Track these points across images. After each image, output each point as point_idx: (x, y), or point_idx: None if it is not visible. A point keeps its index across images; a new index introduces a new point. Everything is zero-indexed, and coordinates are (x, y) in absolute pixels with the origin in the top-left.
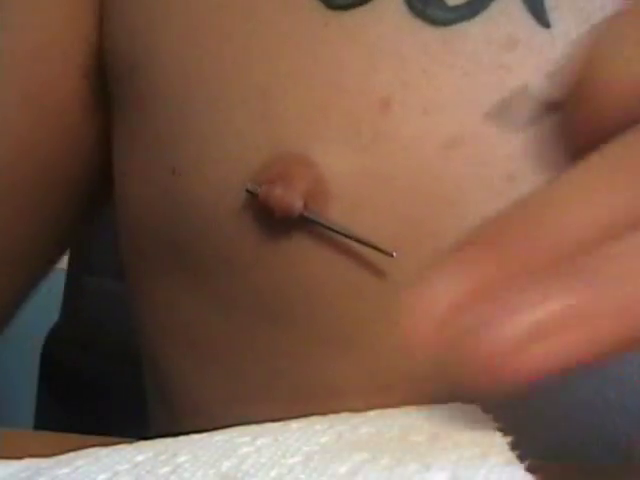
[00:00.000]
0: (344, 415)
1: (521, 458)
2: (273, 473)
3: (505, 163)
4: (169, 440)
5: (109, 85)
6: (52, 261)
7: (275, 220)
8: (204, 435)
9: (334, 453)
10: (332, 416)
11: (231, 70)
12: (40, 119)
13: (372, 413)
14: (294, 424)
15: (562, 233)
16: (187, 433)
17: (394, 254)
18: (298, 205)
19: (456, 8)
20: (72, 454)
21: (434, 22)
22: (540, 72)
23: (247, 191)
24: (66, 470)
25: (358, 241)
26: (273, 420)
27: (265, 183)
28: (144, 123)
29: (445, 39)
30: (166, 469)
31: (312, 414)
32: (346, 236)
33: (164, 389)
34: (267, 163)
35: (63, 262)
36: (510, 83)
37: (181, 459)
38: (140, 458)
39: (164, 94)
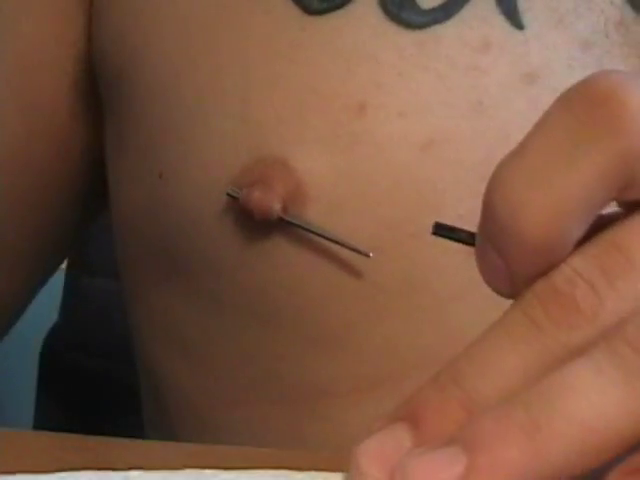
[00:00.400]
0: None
1: None
2: None
3: (480, 164)
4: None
5: (99, 88)
6: (52, 266)
7: (256, 223)
8: (214, 472)
9: None
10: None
11: (211, 75)
12: (31, 125)
13: None
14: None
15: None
16: (181, 435)
17: (370, 254)
18: (277, 208)
19: (430, 11)
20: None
21: (409, 26)
22: (514, 73)
23: (228, 195)
24: None
25: (336, 242)
26: (264, 420)
27: (245, 187)
28: (132, 126)
29: (420, 42)
30: None
31: (301, 414)
32: (324, 237)
33: (158, 391)
34: (247, 167)
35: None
36: (484, 85)
37: None
38: None
39: (150, 97)
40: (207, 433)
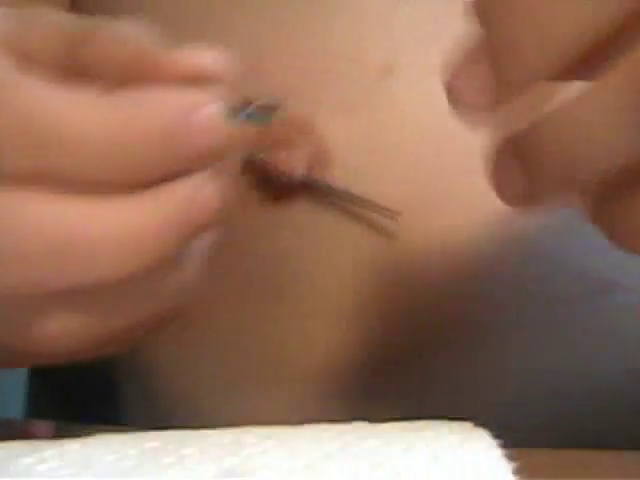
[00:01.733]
0: (355, 425)
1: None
2: (274, 475)
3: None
4: (179, 432)
5: None
6: None
7: (277, 186)
8: (214, 431)
9: (336, 461)
10: (342, 425)
11: (220, 33)
12: None
13: (383, 426)
14: (303, 430)
15: None
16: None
17: (399, 216)
18: (301, 170)
19: None
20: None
21: None
22: None
23: (247, 156)
24: (76, 446)
25: (364, 204)
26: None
27: (267, 148)
28: None
29: (447, 1)
30: (171, 459)
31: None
32: (352, 199)
33: (145, 380)
34: (265, 129)
35: None
36: None
37: (187, 451)
38: (148, 445)
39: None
40: (204, 419)
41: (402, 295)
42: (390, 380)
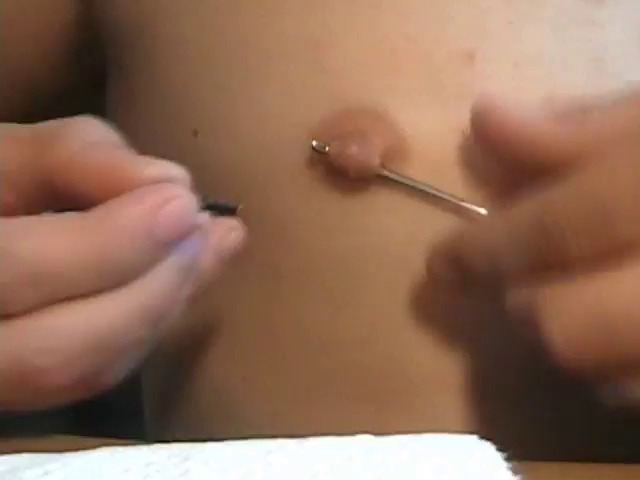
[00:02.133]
0: (360, 437)
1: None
2: None
3: None
4: (184, 445)
5: (106, 51)
6: None
7: (347, 181)
8: (219, 444)
9: (341, 474)
10: (347, 438)
11: (266, 21)
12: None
13: (388, 438)
14: (308, 443)
15: None
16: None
17: (484, 210)
18: (375, 163)
19: None
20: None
21: None
22: (631, 29)
23: (313, 149)
24: (80, 459)
25: (444, 200)
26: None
27: (333, 140)
28: (151, 87)
29: None
30: (175, 472)
31: (387, 412)
32: (431, 194)
33: (165, 374)
34: (329, 118)
35: None
36: (602, 40)
37: (192, 464)
38: (153, 458)
39: (175, 53)
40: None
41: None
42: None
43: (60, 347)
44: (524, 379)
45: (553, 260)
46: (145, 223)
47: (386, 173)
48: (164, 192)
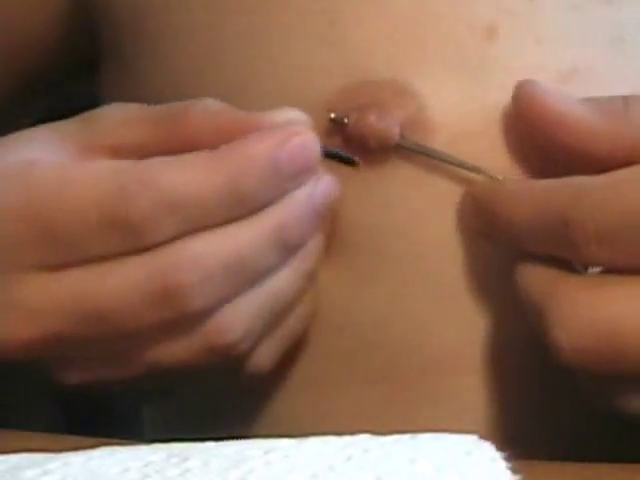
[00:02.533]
0: (358, 437)
1: (507, 459)
2: None
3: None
4: (184, 445)
5: (103, 37)
6: None
7: (366, 152)
8: (218, 444)
9: (340, 473)
10: (346, 437)
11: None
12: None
13: (387, 438)
14: (307, 442)
15: None
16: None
17: (500, 178)
18: (395, 133)
19: None
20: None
21: None
22: None
23: (332, 120)
24: (80, 459)
25: (465, 169)
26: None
27: (354, 111)
28: (156, 72)
29: None
30: (175, 471)
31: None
32: (452, 164)
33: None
34: (346, 90)
35: None
36: (621, 20)
37: (191, 464)
38: (153, 458)
39: (186, 36)
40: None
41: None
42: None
43: (198, 267)
44: (546, 360)
45: (572, 256)
46: (270, 155)
47: (405, 143)
48: (289, 129)
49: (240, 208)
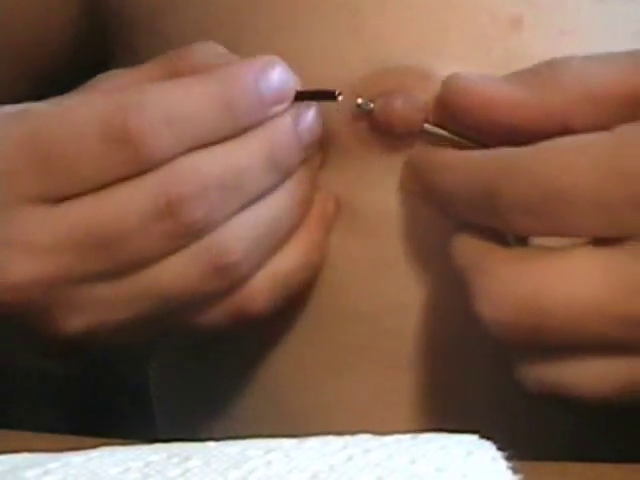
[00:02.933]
0: (359, 437)
1: (508, 459)
2: None
3: None
4: (185, 445)
5: (113, 34)
6: None
7: (391, 137)
8: (218, 444)
9: (341, 474)
10: (347, 437)
11: None
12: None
13: (388, 438)
14: (308, 442)
15: None
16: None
17: None
18: (420, 118)
19: None
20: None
21: None
22: None
23: (358, 106)
24: (80, 459)
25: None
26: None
27: (380, 97)
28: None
29: None
30: (176, 471)
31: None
32: (480, 144)
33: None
34: (369, 77)
35: None
36: None
37: (192, 464)
38: (153, 458)
39: (203, 27)
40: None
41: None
42: None
43: (197, 180)
44: None
45: (498, 225)
46: (256, 72)
47: (431, 128)
48: (271, 59)
49: (233, 124)
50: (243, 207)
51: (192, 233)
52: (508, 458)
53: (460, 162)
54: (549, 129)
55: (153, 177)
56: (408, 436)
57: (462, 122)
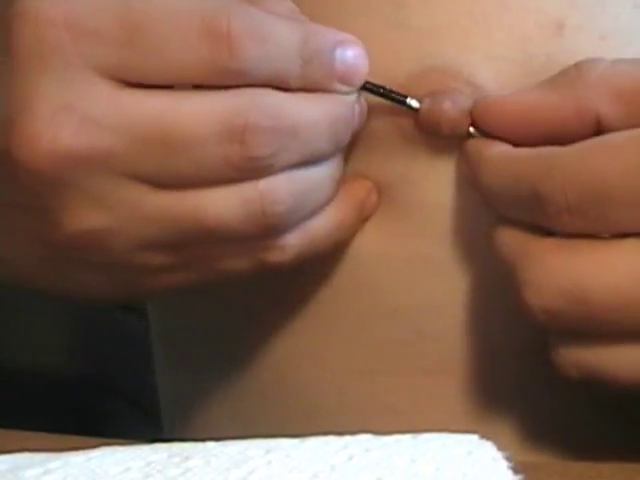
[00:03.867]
0: (360, 437)
1: (508, 459)
2: None
3: None
4: (185, 444)
5: None
6: None
7: (438, 137)
8: (219, 443)
9: (342, 473)
10: (347, 437)
11: None
12: None
13: (388, 438)
14: (309, 442)
15: None
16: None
17: None
18: (467, 122)
19: None
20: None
21: None
22: None
23: (405, 104)
24: (81, 458)
25: None
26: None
27: (427, 97)
28: None
29: None
30: (176, 471)
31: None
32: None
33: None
34: (417, 76)
35: None
36: None
37: (192, 463)
38: (154, 458)
39: None
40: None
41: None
42: None
43: (275, 116)
44: None
45: (545, 224)
46: (333, 42)
47: (477, 133)
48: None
49: (303, 74)
50: (298, 164)
51: (252, 168)
52: (508, 458)
53: (505, 160)
54: (584, 129)
55: (237, 94)
56: (408, 436)
57: (502, 130)
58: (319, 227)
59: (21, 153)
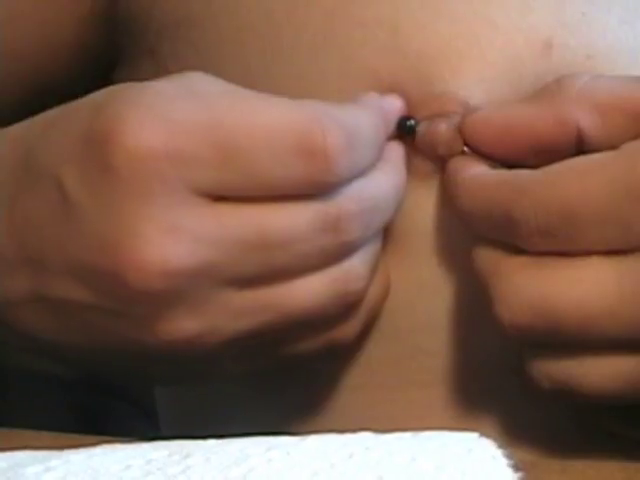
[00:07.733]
0: (360, 435)
1: (508, 457)
2: None
3: None
4: (185, 442)
5: (130, 41)
6: None
7: (433, 158)
8: (219, 441)
9: (342, 471)
10: (347, 435)
11: (341, 8)
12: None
13: (388, 436)
14: (309, 440)
15: None
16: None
17: None
18: (461, 142)
19: None
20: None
21: None
22: None
23: (403, 127)
24: (82, 456)
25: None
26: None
27: (424, 119)
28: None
29: None
30: (176, 469)
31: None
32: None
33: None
34: (414, 100)
35: None
36: None
37: (192, 461)
38: (154, 455)
39: (235, 44)
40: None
41: None
42: None
43: (360, 199)
44: None
45: (516, 243)
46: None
47: (470, 152)
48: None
49: (379, 151)
50: (375, 237)
51: (342, 252)
52: (508, 456)
53: (479, 184)
54: (566, 141)
55: (329, 194)
56: (408, 434)
57: (489, 145)
58: (376, 295)
59: (130, 276)
